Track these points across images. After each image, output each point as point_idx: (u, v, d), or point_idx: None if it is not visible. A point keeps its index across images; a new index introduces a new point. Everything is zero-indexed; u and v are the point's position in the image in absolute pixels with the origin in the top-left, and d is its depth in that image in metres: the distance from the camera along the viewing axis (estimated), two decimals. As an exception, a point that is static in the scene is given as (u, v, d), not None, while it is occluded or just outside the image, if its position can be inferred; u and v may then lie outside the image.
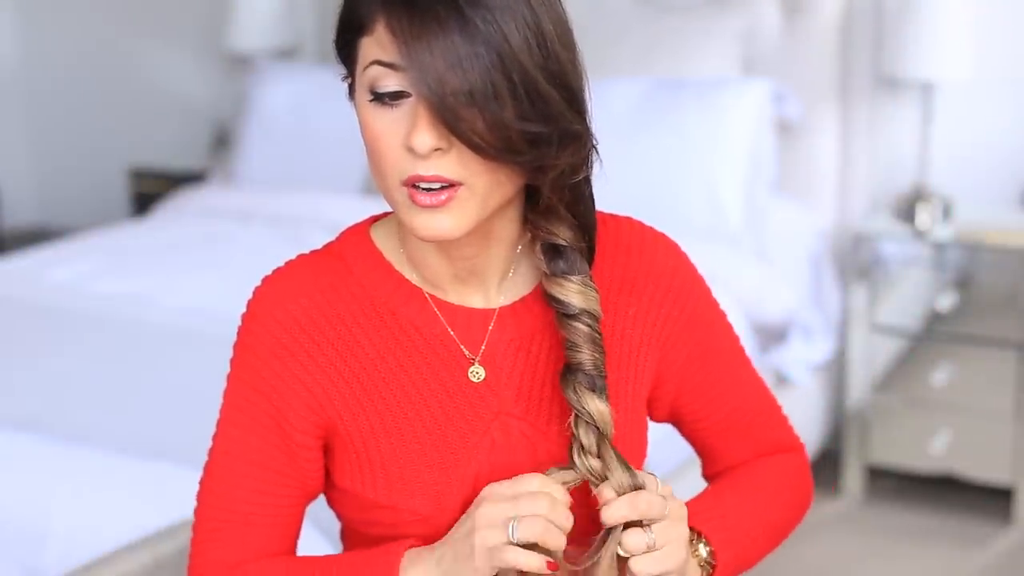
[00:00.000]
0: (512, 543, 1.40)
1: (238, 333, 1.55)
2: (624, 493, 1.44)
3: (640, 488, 1.45)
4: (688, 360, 1.63)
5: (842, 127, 4.29)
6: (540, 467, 1.51)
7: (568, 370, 1.49)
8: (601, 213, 1.58)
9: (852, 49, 4.27)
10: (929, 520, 4.12)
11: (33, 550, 2.73)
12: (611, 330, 1.57)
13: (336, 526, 1.70)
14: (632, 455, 1.57)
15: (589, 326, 1.48)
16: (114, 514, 2.70)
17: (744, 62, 4.33)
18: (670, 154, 4.06)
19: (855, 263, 4.16)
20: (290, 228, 4.30)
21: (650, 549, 1.44)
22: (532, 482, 1.43)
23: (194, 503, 1.58)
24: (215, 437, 1.56)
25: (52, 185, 5.94)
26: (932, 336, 4.16)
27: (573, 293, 1.49)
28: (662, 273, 1.61)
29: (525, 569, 1.40)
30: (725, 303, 3.93)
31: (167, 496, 2.67)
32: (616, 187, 3.99)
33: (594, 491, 1.46)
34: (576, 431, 1.47)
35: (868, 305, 4.16)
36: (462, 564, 1.42)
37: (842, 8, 4.25)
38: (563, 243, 1.49)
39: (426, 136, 1.37)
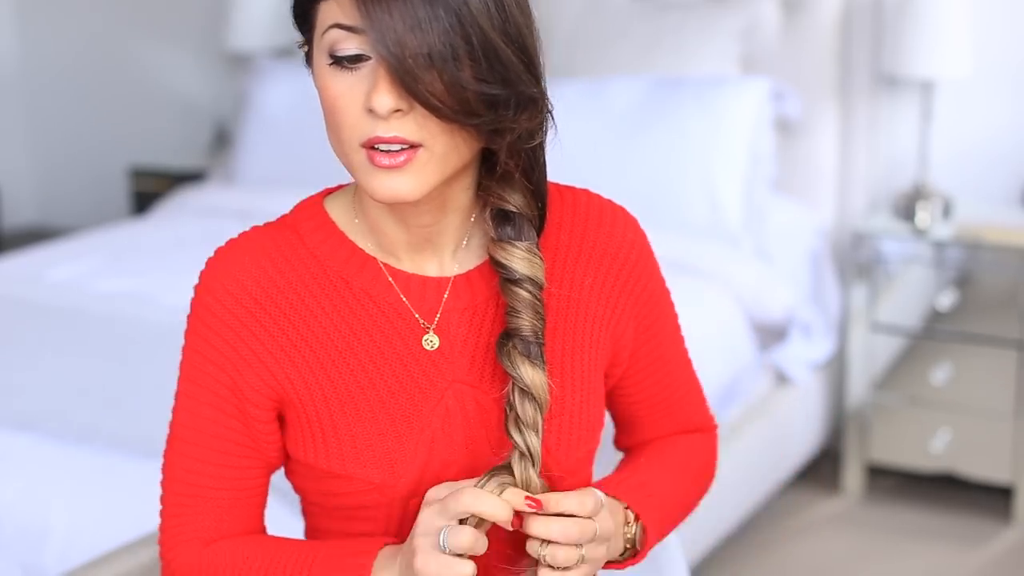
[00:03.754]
0: (445, 552, 1.41)
1: (191, 305, 1.56)
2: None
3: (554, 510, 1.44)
4: (636, 333, 1.64)
5: (842, 125, 4.29)
6: (491, 435, 1.54)
7: (506, 335, 1.50)
8: (558, 184, 1.60)
9: (851, 47, 4.27)
10: (929, 519, 4.12)
11: (33, 549, 2.73)
12: (567, 300, 1.58)
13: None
14: (589, 428, 1.59)
15: (531, 292, 1.49)
16: (114, 513, 2.70)
17: (743, 60, 4.32)
18: (669, 152, 4.06)
19: (855, 262, 4.16)
20: (290, 227, 4.29)
21: (577, 564, 1.45)
22: (462, 495, 1.41)
23: (159, 477, 1.59)
24: (174, 411, 1.58)
25: (52, 184, 5.94)
26: (932, 335, 4.16)
27: (517, 259, 1.50)
28: (620, 246, 1.61)
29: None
30: (724, 301, 3.96)
31: (167, 495, 2.67)
32: (615, 185, 4.00)
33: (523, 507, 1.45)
34: (513, 401, 1.47)
35: (868, 304, 4.16)
36: (412, 568, 1.43)
37: (841, 6, 4.25)
38: (513, 209, 1.51)
39: (386, 98, 1.38)
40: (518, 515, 1.44)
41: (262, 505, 1.60)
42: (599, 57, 4.38)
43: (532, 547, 1.44)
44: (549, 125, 1.49)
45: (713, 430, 1.80)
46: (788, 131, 4.29)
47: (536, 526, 1.43)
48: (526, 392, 1.47)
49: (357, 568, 1.48)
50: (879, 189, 4.38)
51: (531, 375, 1.47)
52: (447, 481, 1.50)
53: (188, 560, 1.56)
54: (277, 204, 4.49)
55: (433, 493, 1.46)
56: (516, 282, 1.50)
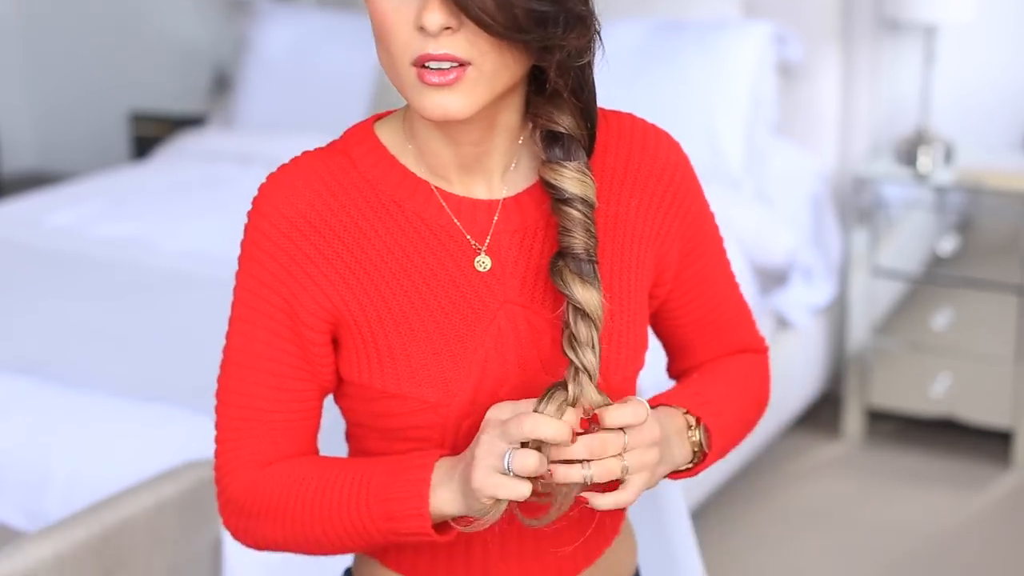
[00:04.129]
0: (507, 474, 1.41)
1: (245, 231, 1.56)
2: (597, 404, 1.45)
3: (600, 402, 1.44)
4: (682, 255, 1.65)
5: (844, 70, 4.28)
6: (543, 355, 1.55)
7: (559, 255, 1.50)
8: (604, 109, 1.60)
9: (854, -9, 4.25)
10: (929, 463, 4.13)
11: (35, 493, 2.74)
12: (614, 221, 1.59)
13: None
14: (635, 347, 1.60)
15: (582, 212, 1.50)
16: (115, 457, 2.71)
17: (745, 4, 4.31)
18: (670, 96, 4.04)
19: (856, 206, 4.16)
20: (290, 171, 4.29)
21: (622, 475, 1.44)
22: (524, 421, 1.41)
23: (214, 402, 1.59)
24: (228, 335, 1.57)
25: (51, 129, 5.93)
26: (933, 279, 4.16)
27: (568, 179, 1.50)
28: (664, 168, 1.62)
29: (512, 499, 1.42)
30: (726, 244, 3.94)
31: (168, 438, 2.68)
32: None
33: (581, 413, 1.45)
34: (568, 320, 1.48)
35: (869, 248, 4.16)
36: (468, 490, 1.44)
37: (844, -50, 4.23)
38: (562, 130, 1.51)
39: (437, 15, 1.39)
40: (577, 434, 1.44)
41: (316, 428, 1.61)
42: (601, 1, 4.36)
43: (574, 474, 1.43)
44: (597, 45, 1.51)
45: (765, 351, 1.80)
46: (790, 75, 4.28)
47: (574, 451, 1.43)
48: (580, 311, 1.47)
49: (416, 483, 1.48)
50: (881, 134, 4.37)
51: (584, 294, 1.47)
52: (506, 400, 1.50)
53: (244, 483, 1.56)
54: (277, 148, 4.52)
55: (494, 413, 1.45)
56: (567, 201, 1.50)
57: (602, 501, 1.46)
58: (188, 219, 3.96)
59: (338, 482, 1.53)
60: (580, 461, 1.43)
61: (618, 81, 4.04)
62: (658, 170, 1.62)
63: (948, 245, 4.11)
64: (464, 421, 1.54)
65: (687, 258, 1.66)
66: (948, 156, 4.14)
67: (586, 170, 1.52)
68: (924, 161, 4.11)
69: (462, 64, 1.41)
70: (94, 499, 2.39)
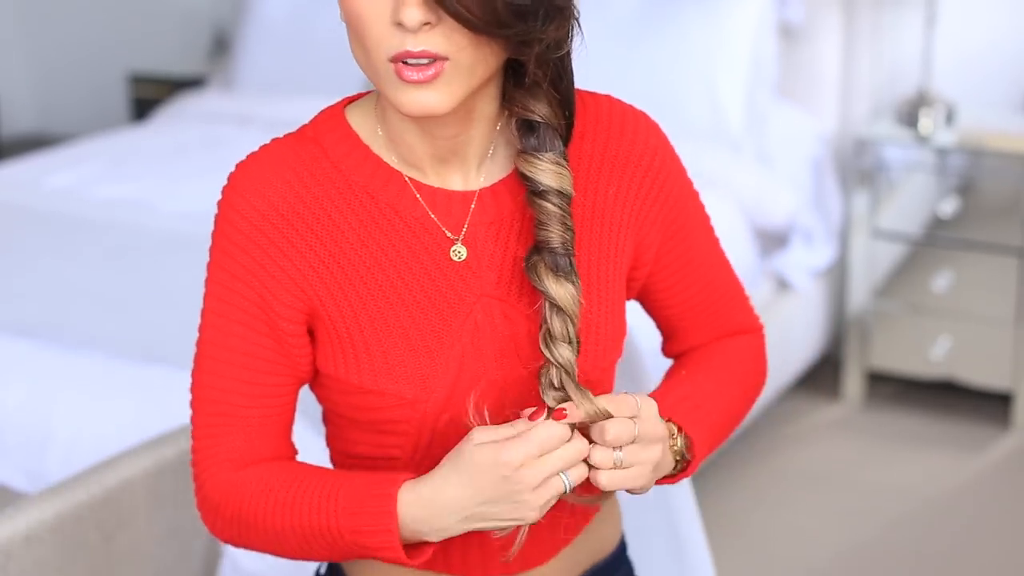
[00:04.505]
0: (566, 489, 1.43)
1: (215, 221, 1.53)
2: (590, 420, 1.45)
3: (603, 415, 1.44)
4: (664, 239, 1.62)
5: (845, 31, 4.26)
6: (521, 349, 1.53)
7: (535, 250, 1.48)
8: (581, 91, 1.57)
9: (856, -48, 4.23)
10: (929, 425, 4.14)
11: (35, 455, 2.75)
12: (591, 210, 1.56)
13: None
14: (613, 338, 1.58)
15: (558, 205, 1.48)
16: (115, 418, 2.71)
17: (747, -35, 4.29)
18: (671, 57, 4.03)
19: (857, 168, 4.15)
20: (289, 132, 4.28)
21: (616, 467, 1.45)
22: (570, 449, 1.43)
23: (189, 398, 1.57)
24: (201, 330, 1.55)
25: (51, 91, 5.91)
26: (933, 242, 4.15)
27: (543, 171, 1.48)
28: (643, 153, 1.59)
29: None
30: (726, 206, 3.95)
31: (168, 400, 2.68)
32: (617, 89, 3.97)
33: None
34: (545, 316, 1.47)
35: (869, 210, 4.15)
36: (519, 516, 1.44)
37: (846, -90, 4.21)
38: (538, 119, 1.48)
39: (415, 11, 1.36)
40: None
41: (291, 423, 1.59)
42: (601, -39, 4.34)
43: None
44: (575, 32, 1.47)
45: (759, 331, 1.77)
46: (791, 36, 4.26)
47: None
48: (555, 306, 1.46)
49: (383, 498, 1.47)
50: (882, 95, 4.35)
51: (559, 289, 1.46)
52: (480, 426, 1.47)
53: (220, 484, 1.54)
54: (277, 109, 4.51)
55: (484, 451, 1.43)
56: (542, 194, 1.48)
57: (603, 477, 1.46)
58: (187, 181, 3.95)
59: (308, 491, 1.51)
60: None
61: (619, 42, 4.02)
62: (636, 155, 1.59)
63: (949, 207, 4.11)
64: (442, 416, 1.53)
65: (669, 241, 1.63)
66: (949, 118, 4.13)
67: (562, 160, 1.49)
68: (925, 123, 4.10)
69: (439, 59, 1.38)
70: (94, 461, 2.39)
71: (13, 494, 2.72)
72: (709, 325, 1.72)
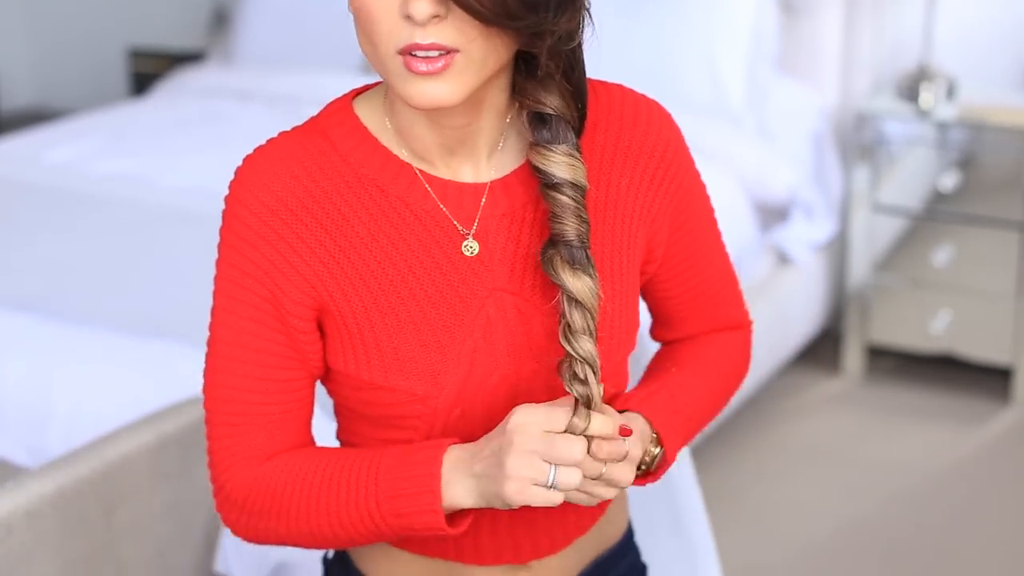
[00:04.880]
0: (546, 486, 1.42)
1: (223, 217, 1.52)
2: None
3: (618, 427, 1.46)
4: (672, 230, 1.62)
5: (846, 5, 4.25)
6: (534, 343, 1.52)
7: (550, 243, 1.47)
8: (593, 81, 1.56)
9: (857, -75, 4.22)
10: (929, 399, 4.14)
11: (36, 430, 2.75)
12: (604, 202, 1.55)
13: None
14: (628, 331, 1.58)
15: (572, 197, 1.46)
16: (116, 393, 2.71)
17: (747, -62, 4.28)
18: (672, 32, 4.02)
19: (857, 142, 4.15)
20: (289, 107, 4.28)
21: (597, 477, 1.46)
22: (573, 447, 1.42)
23: (202, 397, 1.56)
24: (212, 327, 1.53)
25: (50, 65, 5.90)
26: (934, 216, 4.15)
27: (556, 163, 1.46)
28: (656, 144, 1.57)
29: (546, 506, 1.44)
30: (727, 181, 3.95)
31: (168, 374, 2.68)
32: (617, 63, 3.96)
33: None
34: (564, 310, 1.45)
35: (870, 185, 4.15)
36: (492, 492, 1.43)
37: None
38: (550, 111, 1.47)
39: (424, 3, 1.34)
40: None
41: (310, 416, 1.58)
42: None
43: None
44: (586, 23, 1.45)
45: (748, 327, 1.79)
46: (792, 10, 4.25)
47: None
48: (574, 299, 1.44)
49: (426, 478, 1.46)
50: (883, 70, 4.35)
51: (576, 283, 1.45)
52: (524, 404, 1.47)
53: (242, 481, 1.53)
54: (276, 84, 4.50)
55: (526, 418, 1.43)
56: (556, 187, 1.46)
57: (606, 492, 1.47)
58: (187, 155, 3.95)
59: (344, 478, 1.50)
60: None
61: (620, 15, 4.01)
62: (649, 146, 1.57)
63: (949, 181, 4.10)
64: (453, 410, 1.52)
65: (677, 232, 1.62)
66: (950, 92, 4.12)
67: (575, 152, 1.48)
68: (926, 97, 4.09)
69: (449, 51, 1.37)
70: (95, 435, 2.39)
71: (14, 469, 2.73)
72: (704, 317, 1.72)
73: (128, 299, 3.02)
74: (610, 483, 1.46)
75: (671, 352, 1.73)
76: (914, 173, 4.19)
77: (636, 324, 1.60)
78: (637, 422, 1.54)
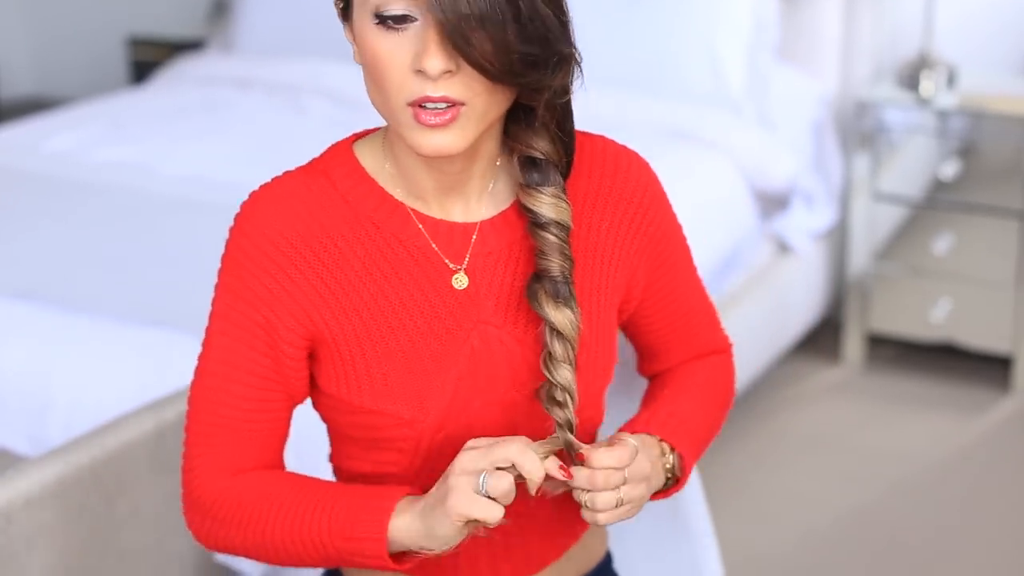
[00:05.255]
0: (481, 494, 1.48)
1: (227, 247, 1.60)
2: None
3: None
4: (650, 270, 1.71)
5: (846, -7, 4.25)
6: (517, 373, 1.62)
7: (535, 278, 1.58)
8: (578, 132, 1.66)
9: (857, -87, 4.21)
10: (929, 388, 4.14)
11: (37, 418, 2.75)
12: (584, 243, 1.65)
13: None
14: (605, 365, 1.68)
15: (558, 236, 1.57)
16: (116, 382, 2.71)
17: (748, -74, 4.27)
18: (672, 20, 4.02)
19: (858, 131, 4.14)
20: (289, 95, 4.28)
21: (617, 506, 1.55)
22: (511, 444, 1.50)
23: (187, 408, 1.65)
24: (205, 345, 1.63)
25: (49, 54, 5.89)
26: (934, 204, 4.15)
27: (544, 204, 1.57)
28: (635, 190, 1.68)
29: (483, 520, 1.49)
30: (727, 169, 3.94)
31: (168, 363, 2.68)
32: (618, 53, 3.96)
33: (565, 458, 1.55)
34: (546, 340, 1.56)
35: (870, 173, 4.15)
36: (438, 512, 1.50)
37: None
38: (540, 156, 1.57)
39: (437, 60, 1.44)
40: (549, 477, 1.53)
41: (283, 439, 1.67)
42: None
43: (576, 494, 1.54)
44: (577, 76, 1.55)
45: (728, 351, 1.87)
46: (792, -2, 4.25)
47: (576, 479, 1.53)
48: (555, 331, 1.55)
49: (378, 510, 1.54)
50: (883, 57, 4.34)
51: (558, 315, 1.55)
52: (478, 431, 1.61)
53: (212, 489, 1.63)
54: (276, 72, 4.50)
55: (473, 442, 1.52)
56: (543, 226, 1.57)
57: (584, 515, 1.55)
58: (187, 144, 3.95)
59: (304, 501, 1.59)
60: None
61: (620, 4, 4.01)
62: (628, 192, 1.67)
63: (950, 170, 4.10)
64: (438, 434, 1.62)
65: (655, 272, 1.72)
66: (951, 80, 4.11)
67: (562, 194, 1.59)
68: (926, 85, 4.09)
69: (455, 104, 1.47)
70: (95, 424, 2.39)
71: (14, 457, 2.73)
72: (686, 347, 1.82)
73: (128, 287, 3.02)
74: (594, 508, 1.54)
75: (660, 381, 1.83)
76: (914, 161, 4.18)
77: (614, 359, 1.70)
78: (642, 440, 1.63)
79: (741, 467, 3.74)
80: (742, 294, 3.82)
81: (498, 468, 1.49)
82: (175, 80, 4.67)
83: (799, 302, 4.19)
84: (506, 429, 1.63)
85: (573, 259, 1.59)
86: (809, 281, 4.23)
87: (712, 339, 1.84)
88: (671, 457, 1.67)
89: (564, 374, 1.55)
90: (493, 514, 1.48)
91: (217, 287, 1.62)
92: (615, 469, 1.53)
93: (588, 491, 1.53)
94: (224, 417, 1.62)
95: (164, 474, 2.18)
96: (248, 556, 1.65)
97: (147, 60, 5.39)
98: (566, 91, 1.55)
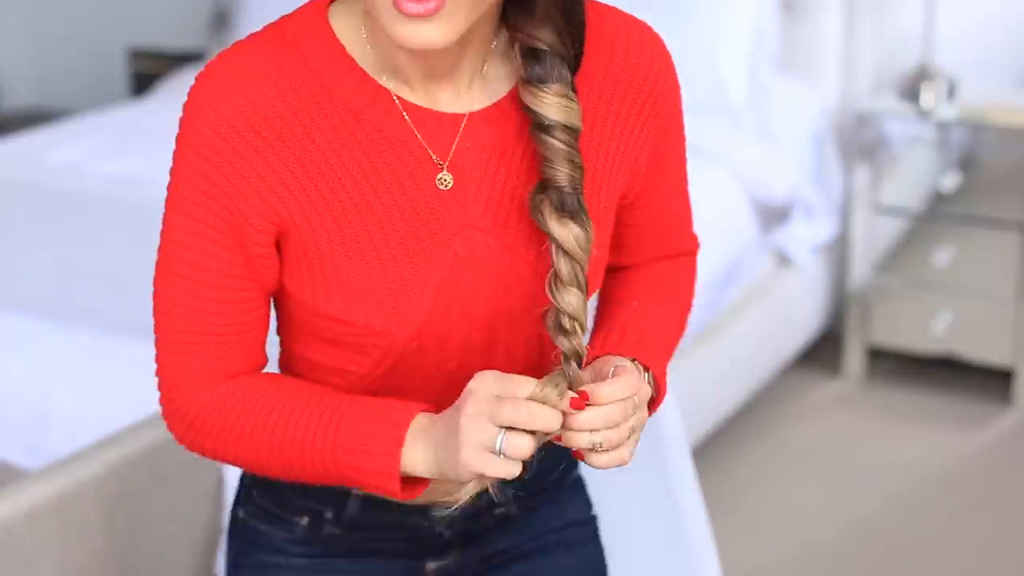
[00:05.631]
0: (497, 454, 1.34)
1: (180, 126, 1.44)
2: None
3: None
4: (648, 168, 1.54)
5: (847, 4, 4.25)
6: (503, 283, 1.46)
7: (540, 188, 1.40)
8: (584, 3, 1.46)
9: (857, -75, 4.22)
10: (929, 401, 4.14)
11: (37, 431, 2.75)
12: (588, 142, 1.46)
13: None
14: (600, 272, 1.53)
15: (564, 141, 1.38)
16: (117, 395, 2.71)
17: (748, -61, 4.28)
18: (673, 31, 4.00)
19: (858, 143, 4.14)
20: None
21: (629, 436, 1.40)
22: (523, 406, 1.34)
23: (152, 319, 1.48)
24: (163, 246, 1.45)
25: (51, 66, 5.90)
26: (935, 216, 4.15)
27: (548, 104, 1.38)
28: (646, 78, 1.49)
29: (503, 478, 1.36)
30: (727, 181, 3.94)
31: (169, 377, 2.68)
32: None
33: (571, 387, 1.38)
34: (553, 259, 1.39)
35: (871, 185, 4.15)
36: (452, 458, 1.37)
37: None
38: (544, 47, 1.38)
39: None
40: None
41: (264, 335, 1.50)
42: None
43: (583, 439, 1.37)
44: None
45: (696, 251, 1.70)
46: (792, 10, 4.25)
47: (583, 422, 1.37)
48: (562, 249, 1.38)
49: (389, 439, 1.40)
50: (883, 69, 4.34)
51: (563, 231, 1.38)
52: (487, 371, 1.39)
53: (196, 400, 1.47)
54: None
55: (480, 384, 1.36)
56: (547, 129, 1.38)
57: (600, 460, 1.39)
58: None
59: (303, 418, 1.44)
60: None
61: (620, 17, 4.01)
62: (639, 80, 1.49)
63: (950, 182, 4.10)
64: (410, 344, 1.46)
65: (651, 165, 1.54)
66: (951, 92, 4.12)
67: (570, 92, 1.39)
68: (927, 97, 4.09)
69: None
70: (96, 437, 2.39)
71: (15, 471, 2.73)
72: (659, 245, 1.65)
73: (130, 300, 3.02)
74: (609, 445, 1.38)
75: (625, 283, 1.65)
76: (915, 173, 4.19)
77: (606, 259, 1.55)
78: (624, 363, 1.46)
79: (742, 480, 3.74)
80: (743, 307, 3.82)
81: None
82: (176, 92, 4.68)
83: (799, 315, 4.18)
84: (486, 343, 1.48)
85: (583, 166, 1.40)
86: (809, 294, 4.23)
87: (684, 239, 1.67)
88: (647, 376, 1.50)
89: (570, 300, 1.37)
90: (509, 471, 1.33)
91: (172, 174, 1.44)
92: (627, 400, 1.37)
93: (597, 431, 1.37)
94: (198, 323, 1.44)
95: (165, 488, 2.18)
96: (241, 468, 1.52)
97: (148, 72, 5.39)
98: None
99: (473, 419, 1.34)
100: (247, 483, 1.67)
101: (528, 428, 1.34)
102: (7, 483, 2.05)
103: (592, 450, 1.38)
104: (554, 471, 1.69)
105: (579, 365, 1.38)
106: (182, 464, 2.21)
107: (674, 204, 1.63)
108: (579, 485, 1.75)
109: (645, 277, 1.65)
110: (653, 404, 1.54)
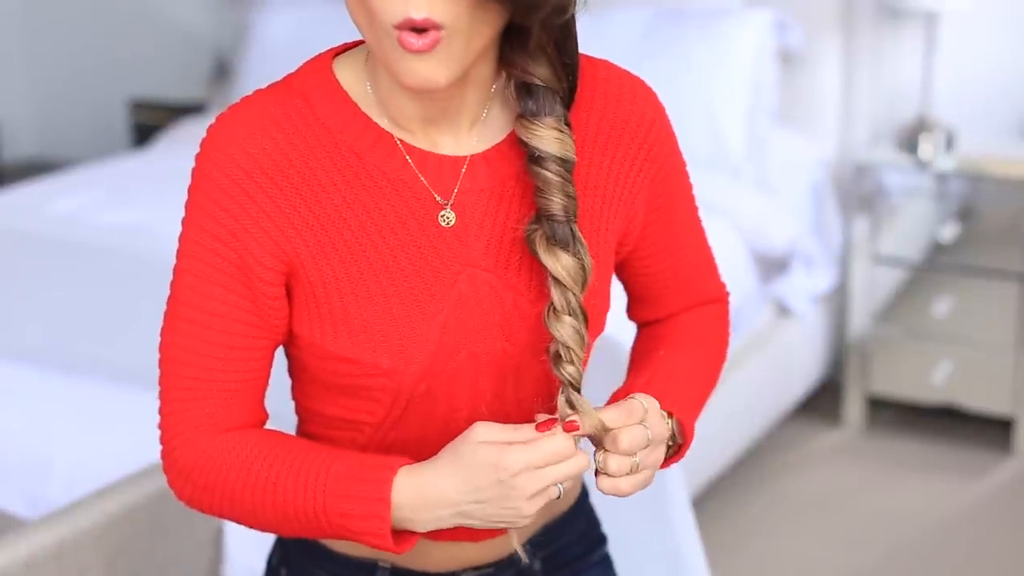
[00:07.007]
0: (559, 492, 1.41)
1: (192, 175, 1.47)
2: (597, 432, 1.42)
3: (602, 428, 1.42)
4: (650, 210, 1.57)
5: (845, 56, 4.27)
6: (508, 322, 1.48)
7: (535, 220, 1.43)
8: (580, 56, 1.49)
9: (855, -22, 4.24)
10: (929, 450, 4.13)
11: (37, 480, 2.74)
12: (585, 181, 1.50)
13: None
14: (600, 312, 1.54)
15: (558, 172, 1.41)
16: (117, 445, 2.71)
17: (747, -9, 4.30)
18: (671, 84, 4.04)
19: (857, 193, 4.16)
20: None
21: (632, 472, 1.43)
22: (562, 466, 1.39)
23: (158, 359, 1.50)
24: (173, 290, 1.49)
25: (52, 116, 5.92)
26: (934, 267, 4.16)
27: (542, 136, 1.41)
28: (640, 124, 1.53)
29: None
30: (727, 232, 3.95)
31: (170, 426, 2.68)
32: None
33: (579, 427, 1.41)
34: (551, 291, 1.42)
35: (870, 236, 4.16)
36: (509, 517, 1.41)
37: (845, -64, 4.22)
38: (537, 82, 1.42)
39: None
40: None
41: (265, 387, 1.52)
42: (601, -12, 4.35)
43: (581, 461, 1.41)
44: None
45: (725, 299, 1.74)
46: (791, 62, 4.27)
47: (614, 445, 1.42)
48: (554, 278, 1.41)
49: (375, 502, 1.42)
50: (882, 121, 4.36)
51: (555, 261, 1.41)
52: (484, 421, 1.43)
53: (193, 450, 1.48)
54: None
55: (486, 435, 1.40)
56: (541, 161, 1.41)
57: (604, 484, 1.43)
58: (189, 207, 3.95)
59: (293, 476, 1.45)
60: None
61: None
62: (633, 125, 1.53)
63: (949, 232, 4.11)
64: (419, 386, 1.48)
65: (655, 212, 1.58)
66: (949, 143, 4.13)
67: (564, 126, 1.43)
68: (925, 148, 4.10)
69: (436, 28, 1.32)
70: (96, 487, 2.39)
71: (14, 521, 2.72)
72: (683, 295, 1.68)
73: (130, 350, 3.02)
74: (605, 471, 1.43)
75: (654, 335, 1.69)
76: (914, 224, 4.20)
77: (608, 306, 1.56)
78: (655, 409, 1.49)
79: (742, 530, 3.73)
80: (742, 357, 3.82)
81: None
82: (177, 143, 4.69)
83: (799, 365, 4.19)
84: (494, 383, 1.50)
85: (576, 197, 1.42)
86: (809, 344, 4.23)
87: (709, 287, 1.70)
88: (671, 423, 1.52)
89: (566, 328, 1.40)
90: (554, 495, 1.41)
91: (184, 222, 1.47)
92: (636, 426, 1.41)
93: (603, 451, 1.42)
94: (203, 369, 1.46)
95: (165, 537, 2.18)
96: (239, 523, 1.52)
97: (149, 123, 5.41)
98: (564, 9, 1.37)
99: (518, 487, 1.39)
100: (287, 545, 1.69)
101: (563, 480, 1.39)
102: (6, 532, 2.05)
103: (597, 471, 1.43)
104: (577, 544, 1.72)
105: (577, 392, 1.41)
106: (182, 514, 2.20)
107: (689, 253, 1.66)
108: (607, 563, 1.77)
109: (672, 327, 1.68)
110: (680, 451, 1.57)
